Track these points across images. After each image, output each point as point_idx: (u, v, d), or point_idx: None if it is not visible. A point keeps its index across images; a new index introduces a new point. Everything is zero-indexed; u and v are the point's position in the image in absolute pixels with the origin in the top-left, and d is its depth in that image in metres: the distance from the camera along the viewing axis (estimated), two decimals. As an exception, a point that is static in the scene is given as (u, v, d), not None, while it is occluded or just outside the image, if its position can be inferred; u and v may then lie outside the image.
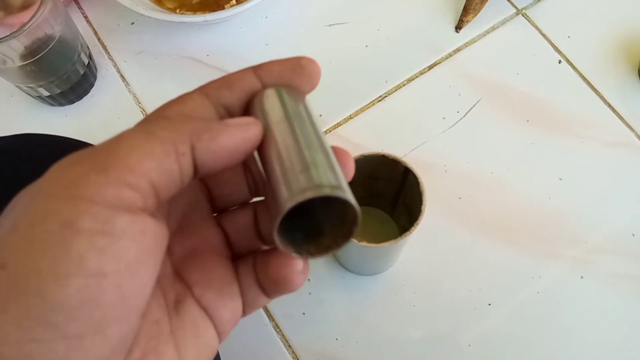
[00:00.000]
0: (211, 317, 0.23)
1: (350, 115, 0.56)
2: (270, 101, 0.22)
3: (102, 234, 0.17)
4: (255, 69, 0.23)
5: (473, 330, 0.48)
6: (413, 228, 0.40)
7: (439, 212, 0.52)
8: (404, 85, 0.58)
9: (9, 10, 0.51)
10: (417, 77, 0.58)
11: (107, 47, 0.60)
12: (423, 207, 0.40)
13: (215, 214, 0.26)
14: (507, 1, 0.62)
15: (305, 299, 0.49)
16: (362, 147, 0.55)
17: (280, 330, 0.48)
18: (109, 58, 0.60)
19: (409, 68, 0.59)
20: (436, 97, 0.57)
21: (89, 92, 0.58)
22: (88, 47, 0.57)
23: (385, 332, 0.48)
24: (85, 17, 0.62)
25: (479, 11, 0.60)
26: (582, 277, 0.50)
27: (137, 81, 0.59)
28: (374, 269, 0.49)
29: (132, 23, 0.61)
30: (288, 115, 0.22)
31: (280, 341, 0.48)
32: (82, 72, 0.55)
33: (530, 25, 0.60)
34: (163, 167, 0.19)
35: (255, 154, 0.22)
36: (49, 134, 0.41)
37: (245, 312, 0.24)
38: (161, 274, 0.22)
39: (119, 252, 0.17)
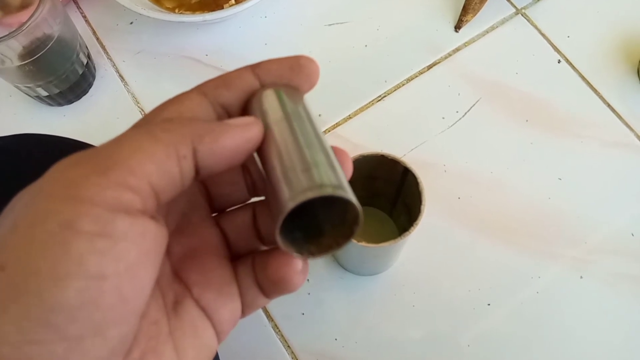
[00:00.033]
0: (210, 318, 0.23)
1: (349, 115, 0.56)
2: (269, 101, 0.22)
3: (103, 236, 0.17)
4: (254, 68, 0.23)
5: (472, 330, 0.48)
6: (412, 228, 0.40)
7: (439, 212, 0.52)
8: (403, 85, 0.58)
9: (7, 10, 0.51)
10: (416, 76, 0.58)
11: (105, 46, 0.60)
12: (422, 207, 0.40)
13: (214, 214, 0.26)
14: (506, 1, 0.62)
15: (304, 299, 0.49)
16: (362, 147, 0.55)
17: (279, 331, 0.48)
18: (107, 58, 0.60)
19: (408, 68, 0.59)
20: (435, 97, 0.57)
21: (87, 92, 0.58)
22: (87, 47, 0.57)
23: (384, 332, 0.48)
24: (84, 16, 0.62)
25: (478, 11, 0.60)
26: (581, 277, 0.50)
27: (135, 81, 0.59)
28: (374, 269, 0.49)
29: (131, 23, 0.61)
30: (287, 115, 0.22)
31: (279, 341, 0.48)
32: (80, 72, 0.55)
33: (530, 25, 0.60)
34: (164, 169, 0.19)
35: (255, 153, 0.22)
36: (48, 134, 0.41)
37: (244, 312, 0.24)
38: (160, 275, 0.22)
39: (119, 254, 0.17)
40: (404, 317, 0.48)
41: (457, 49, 0.59)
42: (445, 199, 0.52)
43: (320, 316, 0.49)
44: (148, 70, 0.59)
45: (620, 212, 0.52)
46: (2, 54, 0.47)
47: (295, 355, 0.47)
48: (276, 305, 0.49)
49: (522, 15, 0.61)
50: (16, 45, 0.47)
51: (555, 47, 0.59)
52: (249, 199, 0.26)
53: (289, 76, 0.23)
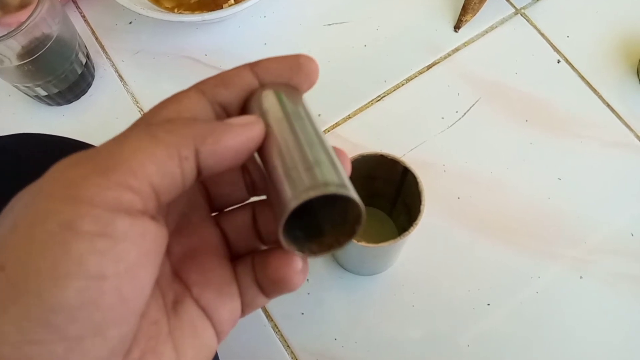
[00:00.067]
0: (210, 317, 0.23)
1: (349, 115, 0.56)
2: (269, 100, 0.22)
3: (103, 237, 0.17)
4: (252, 66, 0.23)
5: (472, 330, 0.48)
6: (412, 228, 0.40)
7: (438, 212, 0.52)
8: (402, 85, 0.58)
9: (6, 9, 0.51)
10: (415, 76, 0.58)
11: (104, 46, 0.60)
12: (422, 207, 0.40)
13: (213, 214, 0.26)
14: (505, 1, 0.62)
15: (304, 298, 0.49)
16: (361, 147, 0.55)
17: (279, 330, 0.48)
18: (106, 57, 0.60)
19: (408, 68, 0.58)
20: (435, 96, 0.57)
21: (86, 91, 0.58)
22: (86, 47, 0.57)
23: (384, 332, 0.48)
24: (83, 16, 0.62)
25: (477, 11, 0.60)
26: (581, 277, 0.50)
27: (135, 81, 0.58)
28: (373, 269, 0.49)
29: (130, 22, 0.61)
30: (287, 114, 0.22)
31: (279, 341, 0.48)
32: (79, 72, 0.55)
33: (529, 25, 0.60)
34: (165, 170, 0.19)
35: (255, 153, 0.22)
36: (47, 133, 0.41)
37: (244, 312, 0.24)
38: (160, 274, 0.22)
39: (119, 254, 0.17)
40: (404, 317, 0.48)
41: (457, 49, 0.59)
42: (444, 199, 0.52)
43: (320, 316, 0.49)
44: (147, 70, 0.59)
45: (620, 212, 0.52)
46: (1, 54, 0.47)
47: (294, 355, 0.47)
48: (276, 304, 0.49)
49: (521, 15, 0.61)
50: (15, 44, 0.47)
51: (555, 47, 0.59)
52: (249, 199, 0.26)
53: (288, 75, 0.23)
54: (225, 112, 0.23)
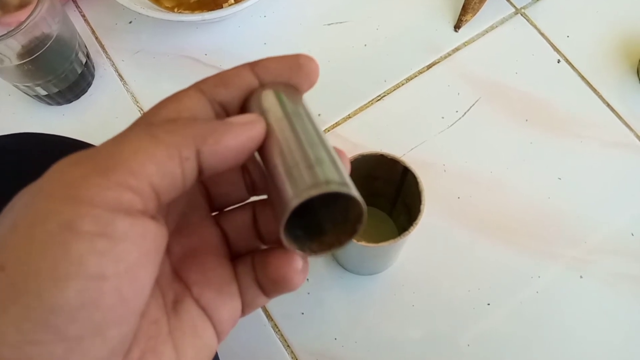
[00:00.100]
0: (210, 317, 0.23)
1: (349, 115, 0.56)
2: (269, 99, 0.22)
3: (103, 237, 0.17)
4: (252, 66, 0.23)
5: (472, 330, 0.48)
6: (412, 228, 0.40)
7: (438, 212, 0.52)
8: (402, 84, 0.58)
9: (6, 9, 0.51)
10: (415, 76, 0.58)
11: (104, 46, 0.60)
12: (422, 206, 0.40)
13: (214, 214, 0.26)
14: (506, 0, 0.62)
15: (304, 298, 0.49)
16: (361, 147, 0.55)
17: (279, 330, 0.48)
18: (106, 57, 0.60)
19: (408, 67, 0.58)
20: (435, 96, 0.57)
21: (86, 91, 0.58)
22: (86, 46, 0.57)
23: (384, 332, 0.48)
24: (83, 15, 0.62)
25: (477, 10, 0.60)
26: (581, 277, 0.50)
27: (135, 80, 0.58)
28: (373, 268, 0.49)
29: (130, 22, 0.61)
30: (287, 113, 0.22)
31: (279, 341, 0.48)
32: (79, 71, 0.55)
33: (529, 25, 0.60)
34: (165, 171, 0.19)
35: (255, 152, 0.22)
36: (47, 133, 0.41)
37: (244, 311, 0.24)
38: (160, 274, 0.22)
39: (119, 255, 0.17)
40: (404, 317, 0.48)
41: (457, 49, 0.59)
42: (444, 199, 0.52)
43: (320, 316, 0.49)
44: (147, 69, 0.59)
45: (620, 212, 0.52)
46: (1, 53, 0.47)
47: (294, 355, 0.47)
48: (276, 304, 0.49)
49: (521, 15, 0.61)
50: (15, 44, 0.47)
51: (555, 47, 0.59)
52: (248, 198, 0.26)
53: (288, 74, 0.23)
54: (224, 112, 0.23)
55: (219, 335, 0.23)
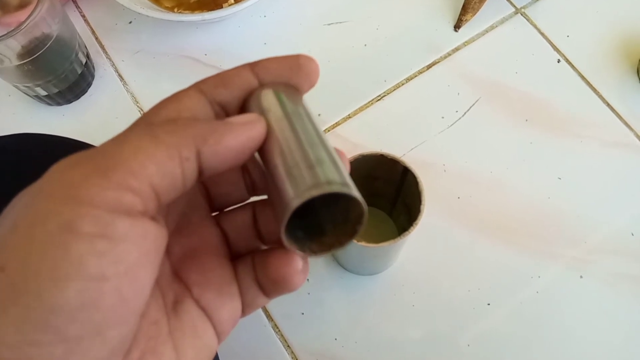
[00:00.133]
0: (210, 318, 0.23)
1: (349, 115, 0.56)
2: (269, 99, 0.22)
3: (103, 238, 0.17)
4: (252, 66, 0.23)
5: (472, 330, 0.48)
6: (412, 228, 0.40)
7: (438, 212, 0.51)
8: (402, 84, 0.58)
9: (6, 9, 0.51)
10: (415, 76, 0.58)
11: (104, 46, 0.60)
12: (422, 206, 0.40)
13: (214, 214, 0.26)
14: (506, 0, 0.62)
15: (304, 298, 0.49)
16: (361, 147, 0.55)
17: (279, 330, 0.48)
18: (106, 57, 0.60)
19: (408, 67, 0.58)
20: (435, 96, 0.57)
21: (86, 91, 0.58)
22: (86, 47, 0.57)
23: (384, 332, 0.48)
24: (83, 16, 0.62)
25: (477, 10, 0.60)
26: (581, 277, 0.50)
27: (135, 80, 0.58)
28: (373, 268, 0.49)
29: (130, 22, 0.61)
30: (287, 113, 0.22)
31: (279, 341, 0.48)
32: (79, 72, 0.55)
33: (529, 25, 0.60)
34: (165, 171, 0.19)
35: (255, 152, 0.22)
36: (47, 133, 0.41)
37: (244, 312, 0.24)
38: (160, 275, 0.22)
39: (119, 255, 0.17)
40: (404, 317, 0.48)
41: (457, 49, 0.59)
42: (444, 199, 0.52)
43: (320, 316, 0.49)
44: (147, 69, 0.59)
45: (620, 212, 0.52)
46: (0, 54, 0.47)
47: (295, 355, 0.47)
48: (276, 304, 0.49)
49: (521, 14, 0.61)
50: (15, 44, 0.47)
51: (555, 46, 0.59)
52: (248, 199, 0.26)
53: (289, 75, 0.23)
54: (224, 112, 0.23)
55: (219, 336, 0.23)
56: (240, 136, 0.20)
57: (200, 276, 0.23)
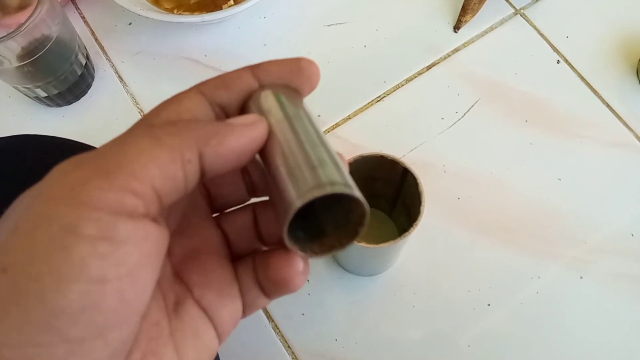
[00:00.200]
0: (211, 318, 0.23)
1: (348, 116, 0.56)
2: (269, 101, 0.22)
3: (104, 240, 0.17)
4: (253, 69, 0.23)
5: (472, 330, 0.48)
6: (412, 228, 0.40)
7: (438, 213, 0.52)
8: (402, 85, 0.58)
9: (5, 10, 0.51)
10: (415, 77, 0.58)
11: (104, 47, 0.60)
12: (422, 207, 0.40)
13: (214, 215, 0.26)
14: (505, 1, 0.62)
15: (304, 299, 0.49)
16: (361, 148, 0.55)
17: (279, 331, 0.48)
18: (106, 59, 0.60)
19: (408, 68, 0.59)
20: (435, 97, 0.57)
21: (86, 92, 0.58)
22: (85, 48, 0.57)
23: (384, 333, 0.48)
24: (83, 17, 0.62)
25: (477, 11, 0.60)
26: (581, 277, 0.50)
27: (134, 82, 0.58)
28: (373, 269, 0.49)
29: (130, 23, 0.61)
30: (287, 115, 0.22)
31: (279, 342, 0.48)
32: (79, 73, 0.55)
33: (529, 25, 0.60)
34: (167, 174, 0.19)
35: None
36: (47, 135, 0.41)
37: (245, 313, 0.24)
38: (161, 276, 0.22)
39: (121, 258, 0.17)
40: (404, 318, 0.48)
41: (456, 50, 0.59)
42: (444, 200, 0.52)
43: (321, 316, 0.49)
44: (147, 71, 0.59)
45: (620, 212, 0.52)
46: (0, 55, 0.47)
47: (295, 356, 0.47)
48: (276, 305, 0.49)
49: (521, 15, 0.61)
50: (15, 46, 0.47)
51: (555, 47, 0.59)
52: (249, 200, 0.26)
53: (289, 78, 0.23)
54: (224, 114, 0.23)
55: (220, 337, 0.23)
56: (242, 137, 0.20)
57: (201, 277, 0.23)
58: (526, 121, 0.56)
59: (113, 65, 0.59)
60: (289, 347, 0.48)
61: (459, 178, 0.53)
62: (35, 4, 0.46)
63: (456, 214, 0.52)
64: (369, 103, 0.57)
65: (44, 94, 0.53)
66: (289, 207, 0.19)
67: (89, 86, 0.58)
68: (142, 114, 0.57)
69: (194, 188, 0.20)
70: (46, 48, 0.49)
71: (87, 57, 0.57)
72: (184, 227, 0.24)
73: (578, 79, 0.58)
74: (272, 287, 0.23)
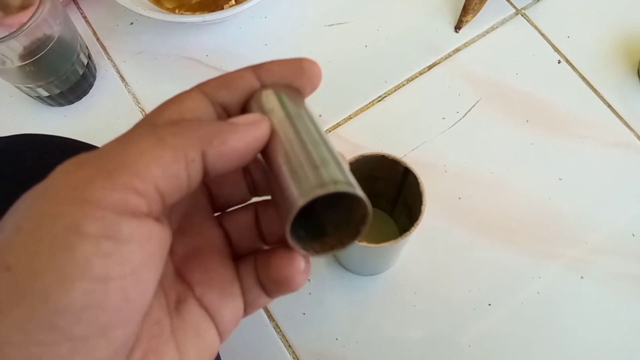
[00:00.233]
0: (212, 317, 0.23)
1: (349, 116, 0.56)
2: (271, 100, 0.22)
3: (108, 239, 0.17)
4: (255, 69, 0.23)
5: (473, 330, 0.48)
6: (413, 228, 0.40)
7: (439, 213, 0.52)
8: (403, 85, 0.58)
9: (7, 10, 0.51)
10: (416, 77, 0.58)
11: (106, 47, 0.60)
12: (423, 207, 0.40)
13: (216, 214, 0.26)
14: (506, 1, 0.62)
15: (305, 299, 0.49)
16: (362, 148, 0.55)
17: (280, 331, 0.48)
18: (108, 58, 0.60)
19: (409, 68, 0.59)
20: (436, 97, 0.57)
21: (88, 92, 0.58)
22: (87, 48, 0.57)
23: (385, 332, 0.48)
24: (84, 17, 0.62)
25: (478, 11, 0.60)
26: (582, 277, 0.50)
27: (136, 81, 0.59)
28: (374, 269, 0.49)
29: (131, 23, 0.61)
30: (289, 114, 0.22)
31: (280, 341, 0.48)
32: (81, 73, 0.55)
33: (530, 25, 0.60)
34: (171, 173, 0.19)
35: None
36: (49, 134, 0.41)
37: (246, 312, 0.24)
38: (163, 274, 0.22)
39: (124, 256, 0.17)
40: (405, 317, 0.48)
41: (457, 50, 0.59)
42: (445, 200, 0.52)
43: (321, 316, 0.49)
44: (148, 70, 0.59)
45: (620, 213, 0.52)
46: (2, 55, 0.47)
47: (296, 355, 0.47)
48: (277, 305, 0.49)
49: (522, 15, 0.61)
50: (17, 45, 0.47)
51: (555, 47, 0.59)
52: (250, 199, 0.26)
53: (291, 78, 0.23)
54: (226, 113, 0.23)
55: (221, 336, 0.23)
56: (245, 137, 0.20)
57: (203, 276, 0.23)
58: (527, 121, 0.56)
59: (115, 65, 0.59)
60: (289, 346, 0.48)
61: (460, 178, 0.53)
62: (37, 4, 0.46)
63: (457, 213, 0.52)
64: (370, 103, 0.57)
65: (45, 94, 0.53)
66: (291, 206, 0.19)
67: (90, 86, 0.58)
68: (143, 113, 0.57)
69: (196, 187, 0.20)
70: (48, 48, 0.49)
71: (89, 57, 0.57)
72: (186, 226, 0.24)
73: (579, 79, 0.58)
74: (273, 286, 0.23)
